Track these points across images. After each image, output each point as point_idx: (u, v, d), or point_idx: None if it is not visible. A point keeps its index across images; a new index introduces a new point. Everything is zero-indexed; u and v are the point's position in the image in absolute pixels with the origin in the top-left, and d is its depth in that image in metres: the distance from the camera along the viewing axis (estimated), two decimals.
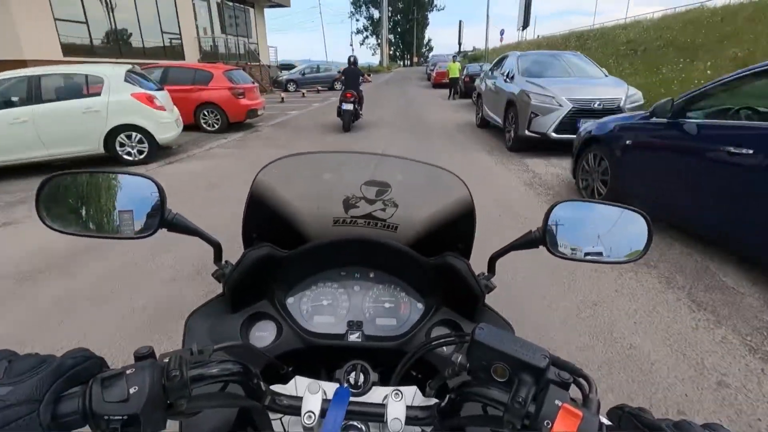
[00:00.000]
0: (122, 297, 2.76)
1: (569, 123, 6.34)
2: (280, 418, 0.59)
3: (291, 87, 22.27)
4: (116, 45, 13.94)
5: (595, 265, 3.04)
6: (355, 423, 0.56)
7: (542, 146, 6.85)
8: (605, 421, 0.42)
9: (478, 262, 0.84)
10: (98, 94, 6.13)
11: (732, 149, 2.74)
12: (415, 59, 70.91)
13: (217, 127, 9.53)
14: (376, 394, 0.61)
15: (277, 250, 0.78)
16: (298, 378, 0.61)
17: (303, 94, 19.34)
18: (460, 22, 47.02)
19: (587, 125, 4.72)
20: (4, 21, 10.35)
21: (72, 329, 2.42)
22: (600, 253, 0.75)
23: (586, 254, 0.75)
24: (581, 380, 0.45)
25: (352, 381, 0.62)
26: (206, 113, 9.47)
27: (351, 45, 73.26)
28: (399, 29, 72.56)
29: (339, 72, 11.23)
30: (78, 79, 6.19)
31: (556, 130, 6.41)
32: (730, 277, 2.89)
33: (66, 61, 10.96)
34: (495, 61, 9.86)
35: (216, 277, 0.78)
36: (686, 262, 3.13)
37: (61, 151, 6.05)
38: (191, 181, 5.56)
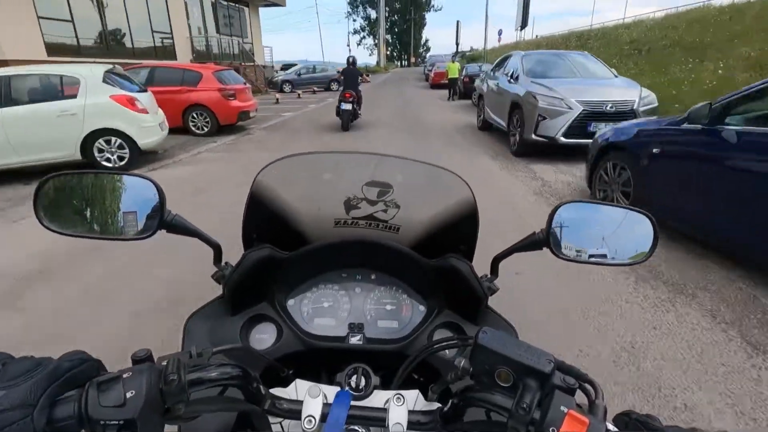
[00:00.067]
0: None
1: (579, 127, 5.95)
2: (280, 422, 0.58)
3: (287, 88, 21.88)
4: (104, 45, 13.46)
5: (624, 295, 2.64)
6: (356, 427, 0.53)
7: (549, 151, 6.47)
8: (612, 427, 0.41)
9: (480, 264, 0.83)
10: (74, 96, 5.69)
11: None
12: (413, 59, 70.65)
13: (206, 130, 9.09)
14: (378, 397, 0.59)
15: (278, 252, 0.77)
16: (298, 381, 0.60)
17: (299, 95, 18.91)
18: (458, 22, 46.59)
19: (604, 131, 4.33)
20: None
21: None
22: (604, 255, 0.74)
23: (591, 256, 0.74)
24: (587, 386, 0.45)
25: (353, 384, 0.61)
26: (195, 116, 9.03)
27: (348, 45, 73.04)
28: (396, 29, 72.27)
29: (338, 72, 11.28)
30: (52, 80, 5.73)
31: (565, 135, 6.02)
32: None
33: (51, 61, 10.50)
34: (497, 60, 9.47)
35: (216, 279, 0.77)
36: (729, 290, 2.73)
37: (34, 158, 5.60)
38: (177, 188, 5.11)
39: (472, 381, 0.47)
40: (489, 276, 0.81)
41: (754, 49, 9.93)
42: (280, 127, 10.44)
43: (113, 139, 5.98)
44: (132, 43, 14.58)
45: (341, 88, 9.64)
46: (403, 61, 75.18)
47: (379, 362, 0.69)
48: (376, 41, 62.36)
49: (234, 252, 0.76)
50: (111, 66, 6.39)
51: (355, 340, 0.75)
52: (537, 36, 37.21)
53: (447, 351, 0.70)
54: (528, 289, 2.74)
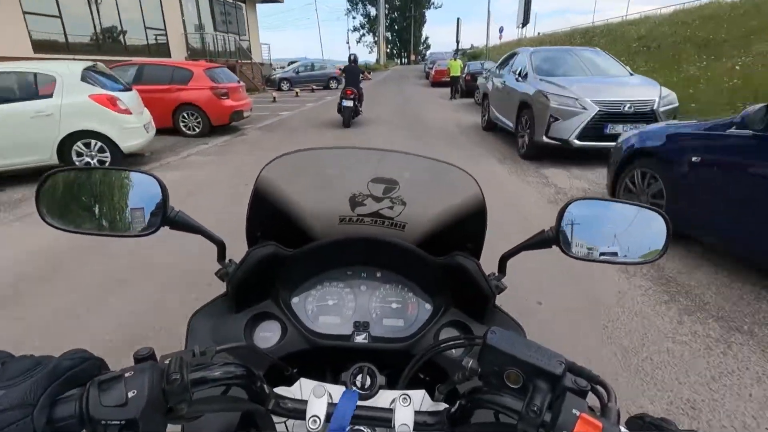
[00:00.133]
0: None
1: (594, 129, 5.53)
2: (285, 422, 0.57)
3: (285, 86, 21.44)
4: (95, 42, 13.01)
5: (668, 333, 2.23)
6: (361, 428, 0.52)
7: (559, 154, 6.05)
8: (626, 431, 0.38)
9: (487, 263, 0.80)
10: (50, 95, 5.27)
11: None
12: (413, 57, 70.01)
13: (198, 130, 8.65)
14: (383, 397, 0.58)
15: (282, 249, 0.77)
16: (303, 380, 0.59)
17: (297, 93, 18.44)
18: (458, 19, 46.06)
19: (628, 135, 3.91)
20: None
21: None
22: (615, 253, 0.72)
23: (601, 254, 0.72)
24: (599, 388, 0.44)
25: (358, 384, 0.59)
26: (186, 116, 8.59)
27: (347, 43, 72.63)
28: (396, 27, 71.69)
29: (340, 70, 11.10)
30: (26, 77, 5.30)
31: (579, 137, 5.60)
32: None
33: (37, 58, 10.05)
34: (502, 58, 9.02)
35: (219, 276, 0.76)
36: None
37: (6, 162, 5.17)
38: None
39: (480, 382, 0.46)
40: (497, 274, 0.80)
41: None
42: (276, 128, 9.99)
43: (93, 141, 5.55)
44: (124, 40, 14.13)
45: (342, 86, 9.50)
46: (403, 59, 74.61)
47: (385, 361, 0.69)
48: (376, 39, 61.83)
49: (242, 248, 0.76)
50: (92, 63, 5.96)
51: (360, 338, 0.74)
52: (539, 33, 36.74)
53: (453, 350, 0.70)
54: (551, 328, 2.33)
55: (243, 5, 21.23)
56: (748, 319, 2.39)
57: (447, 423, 0.50)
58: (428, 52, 62.26)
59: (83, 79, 5.46)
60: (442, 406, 0.55)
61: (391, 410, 0.52)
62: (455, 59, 17.29)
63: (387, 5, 58.86)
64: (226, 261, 0.76)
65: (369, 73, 15.30)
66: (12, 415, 0.33)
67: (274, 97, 16.05)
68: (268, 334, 0.74)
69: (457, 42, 45.57)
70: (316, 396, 0.51)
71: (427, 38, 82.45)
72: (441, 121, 10.57)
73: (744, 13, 12.25)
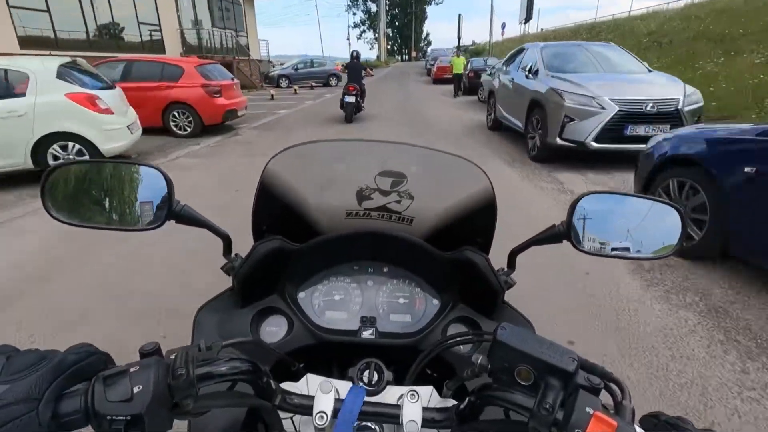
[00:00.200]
0: None
1: (613, 130, 5.10)
2: (291, 417, 0.56)
3: (283, 83, 21.01)
4: (86, 38, 12.57)
5: (732, 391, 1.81)
6: (368, 424, 0.52)
7: (572, 156, 5.63)
8: (640, 430, 0.38)
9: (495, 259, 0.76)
10: (23, 94, 4.86)
11: None
12: (414, 54, 69.41)
13: (189, 130, 8.23)
14: (391, 393, 0.57)
15: (288, 243, 0.76)
16: (309, 376, 0.58)
17: (295, 90, 18.00)
18: (460, 15, 45.32)
19: (658, 139, 3.48)
20: None
21: None
22: (627, 249, 0.70)
23: (613, 249, 0.70)
24: (612, 385, 0.43)
25: (365, 379, 0.58)
26: (176, 114, 8.16)
27: (348, 39, 71.84)
28: (397, 23, 71.13)
29: (343, 66, 11.24)
30: None
31: (596, 139, 5.17)
32: None
33: (23, 55, 9.64)
34: (509, 54, 8.58)
35: (225, 271, 0.75)
36: None
37: None
38: None
39: (489, 378, 0.46)
40: (506, 270, 0.77)
41: None
42: (273, 127, 9.57)
43: (70, 144, 5.14)
44: (116, 36, 13.71)
45: (345, 82, 9.37)
46: (404, 56, 74.10)
47: (392, 357, 0.68)
48: (377, 35, 61.29)
49: (248, 243, 0.75)
50: (70, 59, 5.54)
51: (367, 334, 0.74)
52: (542, 29, 36.11)
53: (462, 346, 0.69)
54: None
55: (241, 1, 20.77)
56: None
57: (455, 419, 0.50)
58: (429, 49, 61.62)
59: (59, 76, 5.05)
60: (451, 402, 0.54)
61: (398, 406, 0.51)
62: (458, 56, 16.80)
63: (388, 1, 58.25)
64: (232, 255, 0.75)
65: (371, 69, 14.94)
66: (17, 410, 0.33)
67: (272, 95, 15.60)
68: (274, 329, 0.74)
69: (459, 38, 44.99)
70: (323, 392, 0.51)
71: (428, 35, 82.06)
72: (444, 119, 10.15)
73: (763, 5, 11.71)
